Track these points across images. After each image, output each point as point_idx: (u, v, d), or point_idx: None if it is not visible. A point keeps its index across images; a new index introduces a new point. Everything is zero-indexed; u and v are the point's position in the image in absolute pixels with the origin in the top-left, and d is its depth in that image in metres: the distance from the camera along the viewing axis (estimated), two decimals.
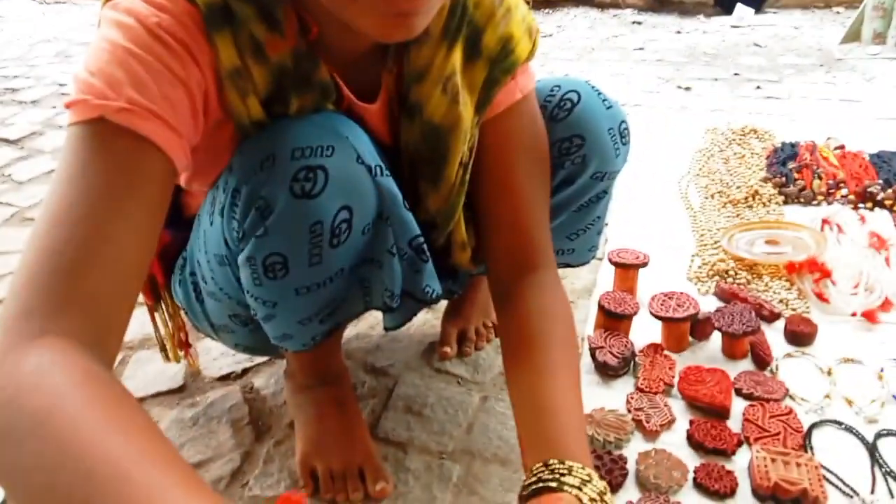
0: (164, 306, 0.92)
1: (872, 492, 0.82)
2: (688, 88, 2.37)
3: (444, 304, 1.14)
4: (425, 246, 0.74)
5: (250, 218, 0.63)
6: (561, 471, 0.58)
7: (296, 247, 0.65)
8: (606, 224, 1.33)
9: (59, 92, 2.54)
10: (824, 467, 0.84)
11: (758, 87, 2.36)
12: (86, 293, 0.48)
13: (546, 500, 0.56)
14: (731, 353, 1.04)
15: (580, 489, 0.57)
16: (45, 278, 0.47)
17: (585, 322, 1.13)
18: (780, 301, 1.16)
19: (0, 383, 0.43)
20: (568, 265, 0.97)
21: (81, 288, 0.48)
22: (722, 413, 0.91)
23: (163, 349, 0.96)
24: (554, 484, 0.57)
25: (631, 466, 0.84)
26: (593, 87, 0.83)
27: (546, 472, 0.58)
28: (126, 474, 0.39)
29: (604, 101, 0.83)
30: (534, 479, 0.59)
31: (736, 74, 2.53)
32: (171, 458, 0.42)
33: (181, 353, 0.96)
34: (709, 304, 1.14)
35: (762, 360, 1.01)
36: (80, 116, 0.53)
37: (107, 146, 0.52)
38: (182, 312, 0.90)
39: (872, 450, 0.87)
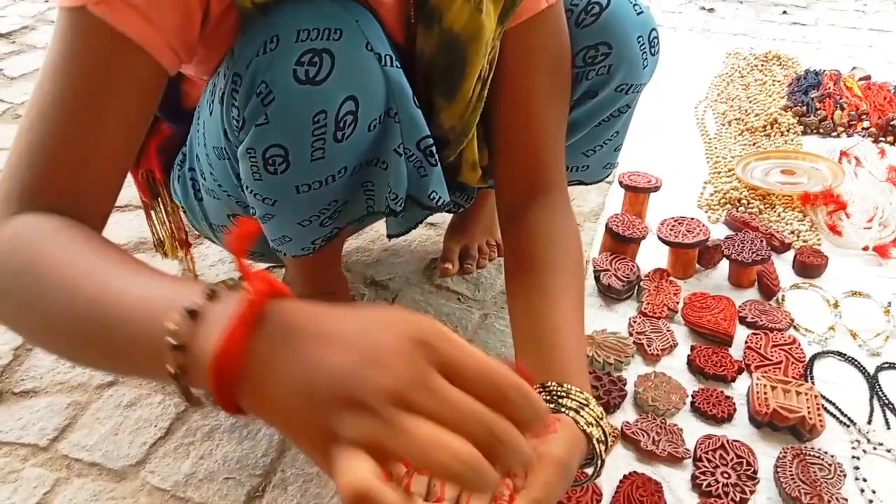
0: (161, 204, 0.89)
1: (869, 422, 0.82)
2: (711, 10, 2.25)
3: (447, 220, 1.12)
4: (434, 148, 0.70)
5: (251, 105, 0.60)
6: (559, 393, 0.57)
7: (298, 138, 0.61)
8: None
9: None
10: (824, 397, 0.83)
11: (784, 12, 2.24)
12: (62, 185, 0.51)
13: None
14: (737, 281, 1.02)
15: (577, 412, 0.55)
16: (24, 171, 0.51)
17: (591, 245, 1.11)
18: (792, 232, 1.13)
19: None
20: (581, 182, 0.93)
21: (58, 180, 0.51)
22: (725, 340, 0.90)
23: (160, 245, 0.93)
24: (551, 406, 0.56)
25: (630, 388, 0.84)
26: None
27: (543, 394, 0.57)
28: (105, 286, 0.43)
29: (634, 5, 0.76)
30: None
31: None
32: (138, 269, 0.45)
33: (181, 252, 0.94)
34: (718, 233, 1.11)
35: (769, 289, 0.99)
36: (64, 1, 0.51)
37: (88, 40, 0.51)
38: (181, 211, 0.87)
39: (873, 382, 0.87)
